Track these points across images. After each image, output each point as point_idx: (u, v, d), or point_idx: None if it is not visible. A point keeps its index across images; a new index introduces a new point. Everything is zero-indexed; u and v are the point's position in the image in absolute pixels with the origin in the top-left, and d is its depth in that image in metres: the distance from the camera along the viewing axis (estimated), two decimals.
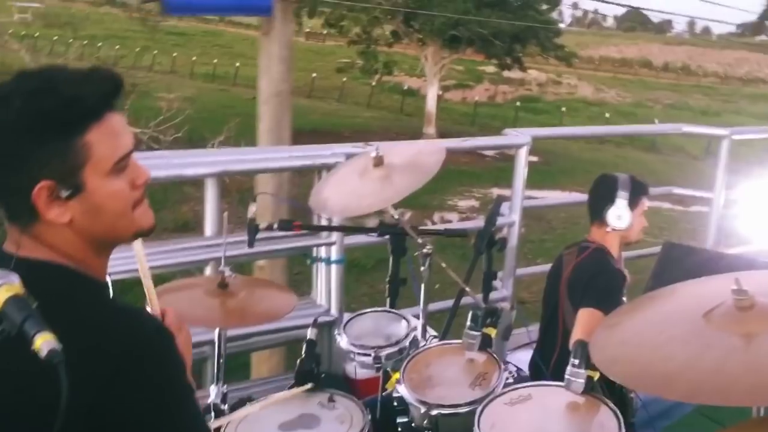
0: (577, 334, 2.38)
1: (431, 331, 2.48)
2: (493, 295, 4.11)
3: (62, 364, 0.91)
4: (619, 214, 2.57)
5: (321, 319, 3.10)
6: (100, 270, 1.26)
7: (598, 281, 2.53)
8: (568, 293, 2.63)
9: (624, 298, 2.52)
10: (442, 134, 13.96)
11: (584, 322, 2.39)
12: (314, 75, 22.65)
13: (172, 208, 10.22)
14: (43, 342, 0.91)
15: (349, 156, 3.00)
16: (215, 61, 26.17)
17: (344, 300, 3.26)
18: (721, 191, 4.48)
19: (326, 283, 3.23)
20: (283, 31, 5.34)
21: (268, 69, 5.26)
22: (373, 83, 22.35)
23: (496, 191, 8.87)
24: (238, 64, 24.42)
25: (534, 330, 4.29)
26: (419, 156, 2.16)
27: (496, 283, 4.28)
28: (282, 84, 5.27)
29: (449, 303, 2.43)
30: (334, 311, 3.22)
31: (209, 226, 3.00)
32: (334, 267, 3.18)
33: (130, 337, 1.13)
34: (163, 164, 2.73)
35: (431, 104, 19.43)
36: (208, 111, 14.72)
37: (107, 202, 1.20)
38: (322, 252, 3.17)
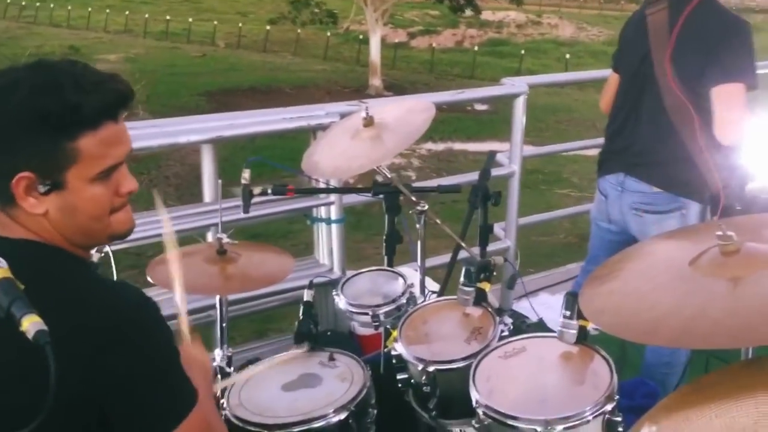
0: (725, 120, 2.25)
1: (431, 286, 2.51)
2: (496, 246, 4.16)
3: (49, 345, 0.93)
4: None
5: (324, 278, 3.15)
6: (80, 252, 1.29)
7: (732, 42, 2.29)
8: (676, 63, 2.35)
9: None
10: (389, 85, 13.42)
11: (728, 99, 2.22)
12: (268, 28, 20.45)
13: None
14: (30, 323, 0.94)
15: (343, 115, 2.99)
16: (168, 18, 23.77)
17: (346, 259, 3.29)
18: None
19: (327, 243, 3.26)
20: None
21: None
22: (328, 33, 20.52)
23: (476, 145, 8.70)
24: (191, 20, 22.45)
25: (528, 281, 4.34)
26: (409, 114, 2.15)
27: (499, 233, 4.31)
28: None
29: (448, 258, 2.44)
30: (336, 270, 3.25)
31: (207, 193, 3.03)
32: (334, 227, 3.20)
33: (114, 311, 1.17)
34: (156, 133, 2.74)
35: (375, 53, 16.76)
36: (146, 72, 13.68)
37: (84, 204, 1.23)
38: (322, 212, 3.20)
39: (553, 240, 5.29)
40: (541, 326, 3.60)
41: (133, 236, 2.63)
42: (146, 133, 2.70)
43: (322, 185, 2.58)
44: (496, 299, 4.18)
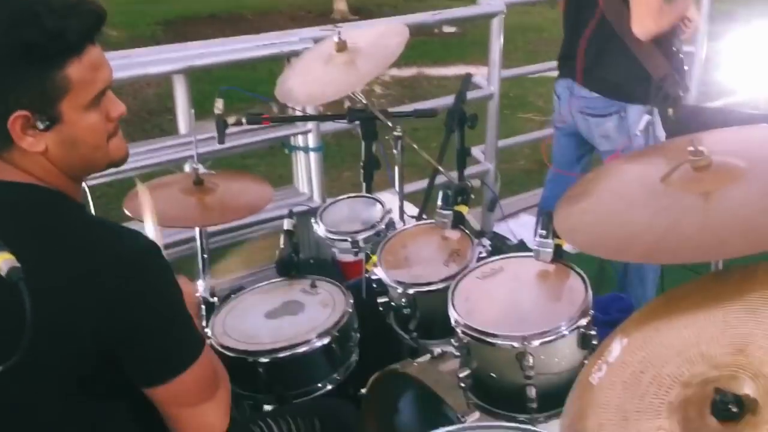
0: (637, 14, 2.32)
1: (410, 211, 2.52)
2: (475, 169, 4.18)
3: (23, 282, 0.93)
4: None
5: (305, 207, 3.16)
6: (75, 194, 1.28)
7: None
8: None
9: None
10: (356, 9, 12.86)
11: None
12: None
13: None
14: (2, 261, 0.93)
15: (317, 40, 2.94)
16: None
17: (326, 186, 3.29)
18: (702, 44, 4.42)
19: (306, 171, 3.25)
20: None
21: None
22: None
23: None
24: None
25: (508, 203, 4.37)
26: (382, 39, 2.12)
27: (479, 155, 4.32)
28: None
29: (426, 183, 2.45)
30: (316, 198, 3.26)
31: (182, 125, 2.99)
32: (312, 155, 3.19)
33: (121, 258, 1.16)
34: (126, 64, 2.67)
35: None
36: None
37: (83, 135, 1.21)
38: (299, 141, 3.17)
39: (513, 167, 5.30)
40: (522, 247, 3.66)
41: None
42: (117, 64, 2.58)
43: (298, 114, 2.55)
44: (477, 222, 4.23)
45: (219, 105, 2.14)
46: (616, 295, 2.42)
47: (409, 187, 3.47)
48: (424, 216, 2.33)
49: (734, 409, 1.01)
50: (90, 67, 1.18)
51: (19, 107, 1.14)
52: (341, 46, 2.07)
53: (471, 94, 3.99)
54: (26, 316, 0.93)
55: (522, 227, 4.23)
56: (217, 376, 1.34)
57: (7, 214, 1.15)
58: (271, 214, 3.02)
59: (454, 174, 2.40)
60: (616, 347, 1.25)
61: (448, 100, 3.69)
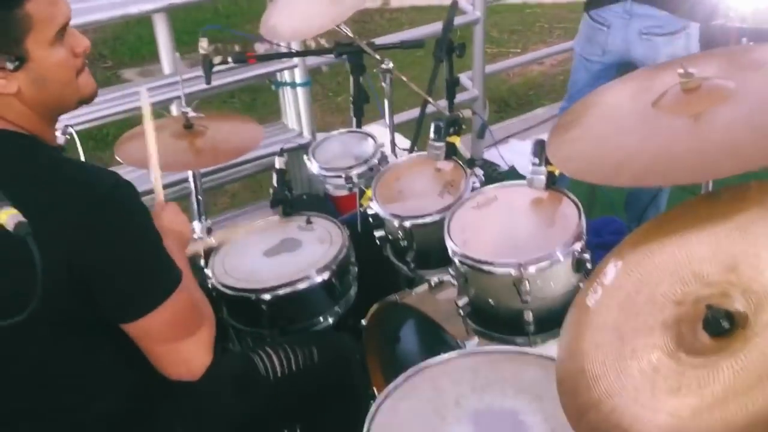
0: None
1: (402, 143, 2.53)
2: (463, 96, 4.15)
3: (30, 236, 0.95)
4: None
5: (294, 144, 3.16)
6: (50, 137, 1.30)
7: None
8: None
9: None
10: None
11: None
12: None
13: None
14: (9, 216, 0.95)
15: None
16: None
17: (315, 121, 3.27)
18: None
19: (294, 107, 3.23)
20: None
21: None
22: None
23: None
24: None
25: (497, 128, 4.36)
26: None
27: (466, 83, 4.29)
28: None
29: (416, 114, 2.44)
30: (306, 134, 3.25)
31: (166, 65, 2.94)
32: (300, 90, 3.16)
33: (91, 193, 1.18)
34: (105, 4, 2.62)
35: None
36: None
37: (53, 71, 1.23)
38: (286, 76, 3.14)
39: (499, 92, 5.25)
40: (512, 173, 3.68)
41: (97, 114, 2.60)
42: (95, 5, 2.58)
43: (283, 50, 2.52)
44: (467, 149, 4.23)
45: (203, 44, 2.11)
46: (608, 218, 2.46)
47: (400, 118, 3.46)
48: (416, 148, 2.34)
49: (725, 325, 1.06)
50: (47, 2, 1.19)
51: None
52: None
53: (456, 21, 3.95)
54: (36, 270, 0.95)
55: (512, 153, 4.23)
56: (198, 314, 1.36)
57: None
58: (262, 151, 3.02)
59: (444, 103, 2.39)
60: (610, 270, 1.29)
61: (433, 28, 3.65)
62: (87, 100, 1.33)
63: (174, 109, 2.92)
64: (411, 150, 2.24)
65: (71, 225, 1.15)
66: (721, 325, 1.06)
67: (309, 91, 3.17)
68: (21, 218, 0.96)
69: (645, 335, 1.16)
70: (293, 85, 3.13)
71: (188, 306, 1.32)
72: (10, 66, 1.17)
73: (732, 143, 1.25)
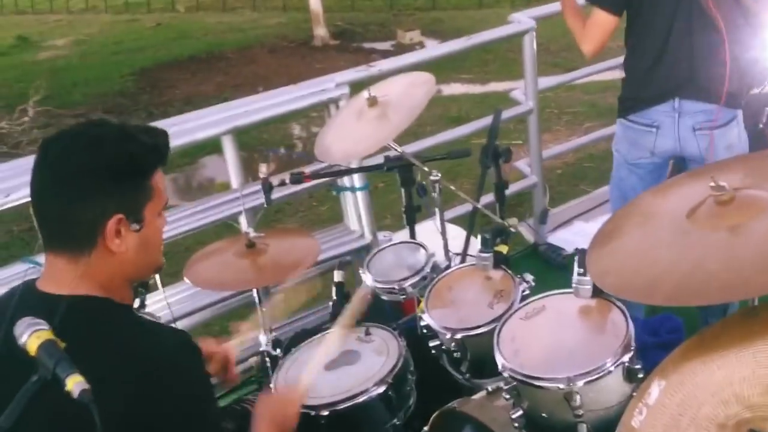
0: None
1: (456, 241, 2.57)
2: (522, 184, 4.21)
3: (93, 404, 1.04)
4: None
5: (357, 245, 3.26)
6: (128, 298, 1.41)
7: None
8: None
9: None
10: (338, 32, 11.95)
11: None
12: None
13: None
14: (75, 384, 1.04)
15: (351, 83, 3.06)
16: None
17: (375, 223, 3.38)
18: None
19: (355, 210, 3.35)
20: None
21: None
22: None
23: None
24: None
25: (558, 212, 4.35)
26: (410, 89, 2.20)
27: (525, 170, 4.34)
28: None
29: (468, 207, 2.49)
30: (367, 235, 3.35)
31: (234, 181, 3.12)
32: (359, 194, 3.29)
33: (152, 351, 1.28)
34: (175, 132, 2.83)
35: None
36: (88, 54, 12.35)
37: (154, 237, 1.40)
38: (345, 182, 3.28)
39: (553, 174, 5.25)
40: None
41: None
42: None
43: (336, 168, 2.65)
44: (530, 235, 4.25)
45: (263, 168, 2.26)
46: (665, 316, 2.42)
47: (455, 212, 3.53)
48: (469, 254, 2.39)
49: None
50: (162, 178, 1.39)
51: (117, 210, 1.31)
52: (372, 102, 2.16)
53: (511, 112, 4.08)
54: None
55: (576, 235, 4.22)
56: None
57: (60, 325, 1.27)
58: (326, 254, 3.14)
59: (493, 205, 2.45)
60: (654, 390, 1.29)
61: (480, 123, 3.74)
62: (160, 269, 1.48)
63: (243, 221, 3.08)
64: (463, 258, 2.29)
65: (130, 381, 1.24)
66: None
67: (368, 194, 3.29)
68: (85, 385, 1.05)
69: None
70: (353, 189, 3.26)
71: None
72: (136, 227, 1.33)
73: (764, 259, 1.25)
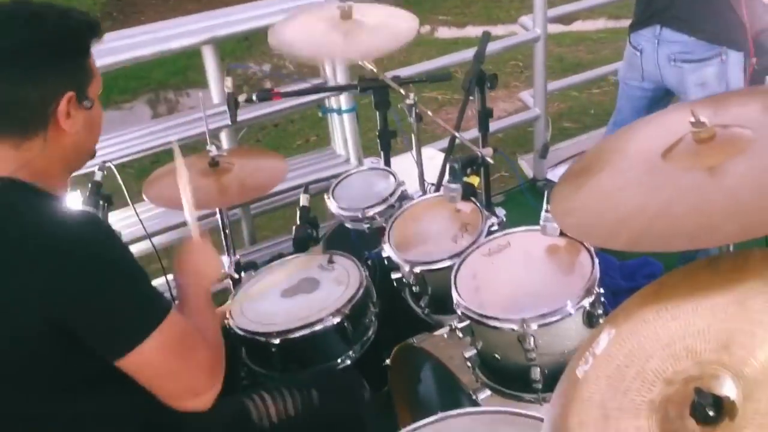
0: None
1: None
2: (525, 116, 4.05)
3: None
4: None
5: (342, 169, 3.14)
6: (62, 188, 1.35)
7: None
8: None
9: None
10: None
11: None
12: None
13: None
14: None
15: None
16: None
17: (361, 147, 3.25)
18: None
19: (341, 133, 3.22)
20: None
21: None
22: None
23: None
24: None
25: (563, 147, 4.22)
26: (390, 19, 2.05)
27: (528, 101, 4.18)
28: None
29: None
30: (353, 160, 3.23)
31: (215, 96, 2.98)
32: (346, 117, 3.15)
33: (64, 232, 1.22)
34: (148, 40, 2.69)
35: None
36: None
37: (99, 118, 1.36)
38: (333, 104, 3.13)
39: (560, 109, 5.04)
40: None
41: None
42: (139, 41, 2.65)
43: (306, 86, 2.49)
44: (529, 168, 4.13)
45: (228, 83, 2.13)
46: (644, 260, 2.31)
47: (437, 146, 3.39)
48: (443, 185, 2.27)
49: (711, 413, 0.96)
50: (94, 60, 1.33)
51: (68, 88, 1.26)
52: (346, 14, 2.01)
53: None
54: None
55: None
56: (194, 340, 1.32)
57: None
58: (309, 178, 3.03)
59: (475, 136, 2.32)
60: (604, 338, 1.20)
61: (463, 55, 3.54)
62: (94, 154, 1.43)
63: (223, 138, 2.96)
64: (437, 188, 2.17)
65: (43, 268, 1.18)
66: (707, 412, 0.97)
67: (355, 117, 3.15)
68: None
69: (630, 416, 1.07)
70: (339, 111, 3.12)
71: (178, 335, 1.28)
72: (87, 104, 1.29)
73: (738, 206, 1.14)
